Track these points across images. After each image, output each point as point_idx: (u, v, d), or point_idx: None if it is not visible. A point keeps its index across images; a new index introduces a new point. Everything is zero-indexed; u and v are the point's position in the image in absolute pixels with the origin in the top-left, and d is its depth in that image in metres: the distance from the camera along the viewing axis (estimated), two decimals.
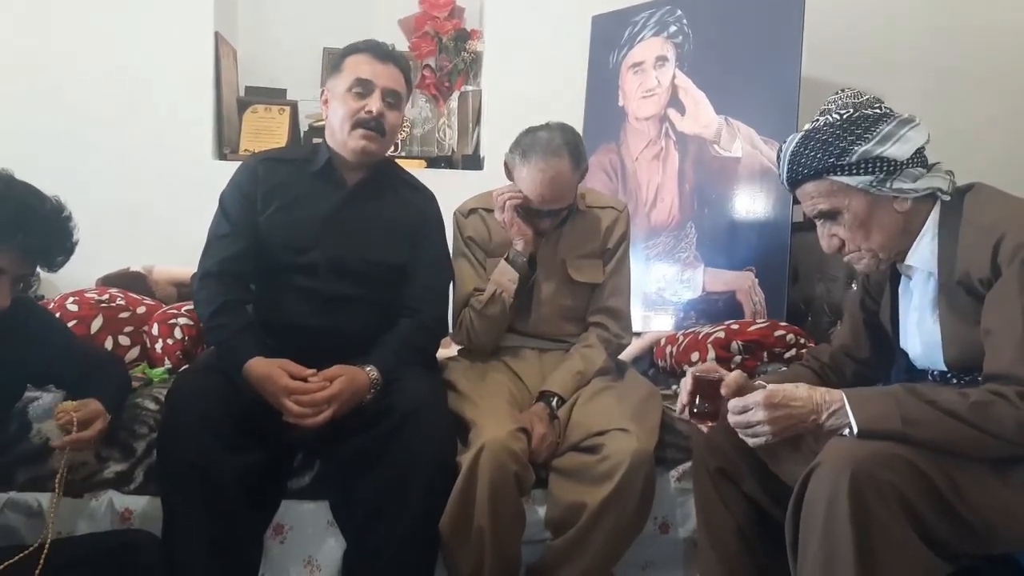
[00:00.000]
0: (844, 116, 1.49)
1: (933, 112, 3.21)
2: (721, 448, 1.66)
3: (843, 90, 1.55)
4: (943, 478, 1.31)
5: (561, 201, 2.08)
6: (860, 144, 1.45)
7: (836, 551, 1.27)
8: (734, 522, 1.65)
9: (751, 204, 2.73)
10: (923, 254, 1.53)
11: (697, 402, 1.53)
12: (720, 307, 2.72)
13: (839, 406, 1.38)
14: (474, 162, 3.15)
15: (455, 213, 2.24)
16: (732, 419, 1.45)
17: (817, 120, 1.52)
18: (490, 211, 2.19)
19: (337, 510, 1.87)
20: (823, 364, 1.79)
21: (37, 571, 1.45)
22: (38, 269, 1.59)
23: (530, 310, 2.17)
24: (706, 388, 1.51)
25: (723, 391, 1.48)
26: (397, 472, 1.75)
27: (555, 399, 1.99)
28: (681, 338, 2.50)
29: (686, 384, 1.55)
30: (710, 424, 1.57)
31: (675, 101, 2.91)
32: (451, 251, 2.19)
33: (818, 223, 1.58)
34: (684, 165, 2.86)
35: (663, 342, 2.61)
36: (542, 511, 1.91)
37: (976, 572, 1.46)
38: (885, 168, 1.45)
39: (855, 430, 1.35)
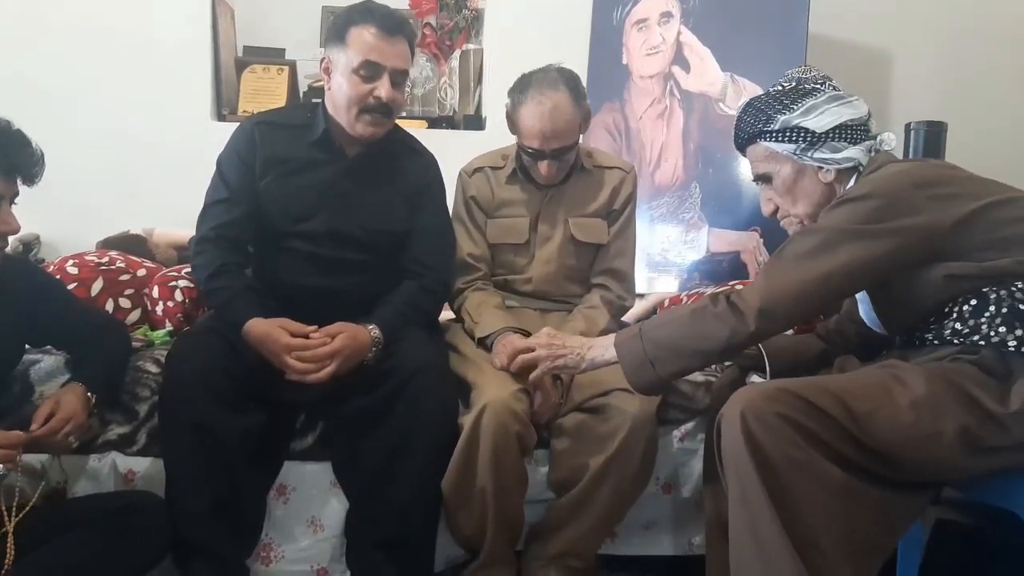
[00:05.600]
0: (784, 87, 1.61)
1: (942, 70, 3.20)
2: None
3: (801, 66, 1.67)
4: (837, 406, 1.33)
5: (564, 138, 2.02)
6: (784, 113, 1.57)
7: (748, 489, 1.32)
8: None
9: None
10: None
11: None
12: (725, 268, 2.71)
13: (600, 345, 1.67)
14: (476, 122, 3.11)
15: (460, 172, 2.22)
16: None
17: (767, 90, 1.65)
18: (496, 169, 2.18)
19: (340, 471, 1.88)
20: (829, 331, 1.83)
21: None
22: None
23: (532, 270, 2.16)
24: None
25: None
26: (400, 433, 1.76)
27: None
28: (685, 300, 2.48)
29: None
30: None
31: (680, 58, 2.86)
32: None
33: (759, 187, 1.68)
34: (689, 124, 2.82)
35: (667, 304, 2.59)
36: (545, 471, 1.91)
37: (982, 531, 1.47)
38: (806, 138, 1.56)
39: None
